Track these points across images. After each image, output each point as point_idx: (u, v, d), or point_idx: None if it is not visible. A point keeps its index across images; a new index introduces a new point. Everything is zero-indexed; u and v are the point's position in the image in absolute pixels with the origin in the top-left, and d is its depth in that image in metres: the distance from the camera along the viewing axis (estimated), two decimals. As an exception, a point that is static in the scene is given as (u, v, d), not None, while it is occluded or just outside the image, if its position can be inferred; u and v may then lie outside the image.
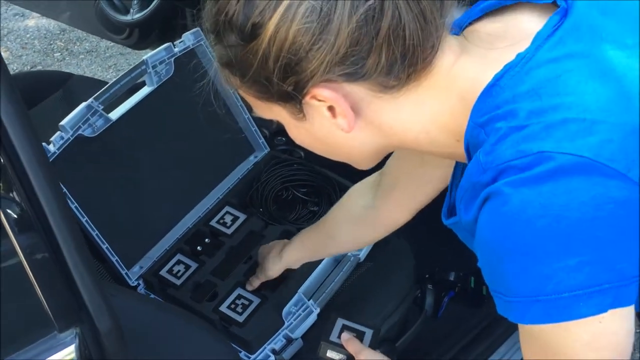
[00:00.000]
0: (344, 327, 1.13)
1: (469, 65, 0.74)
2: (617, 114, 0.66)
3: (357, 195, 1.25)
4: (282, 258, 1.35)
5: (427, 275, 1.56)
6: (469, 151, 0.75)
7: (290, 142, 1.74)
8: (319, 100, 0.73)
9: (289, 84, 0.71)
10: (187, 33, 1.50)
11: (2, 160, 0.65)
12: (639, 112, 0.67)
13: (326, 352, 1.11)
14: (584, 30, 0.73)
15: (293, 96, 0.73)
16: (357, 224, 1.25)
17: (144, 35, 2.20)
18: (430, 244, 1.55)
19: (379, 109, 0.75)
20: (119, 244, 1.40)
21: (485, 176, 0.69)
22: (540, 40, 0.72)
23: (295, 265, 1.39)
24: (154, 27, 2.10)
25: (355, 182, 1.28)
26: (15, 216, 0.63)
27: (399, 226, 1.22)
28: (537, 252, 0.66)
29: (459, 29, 0.78)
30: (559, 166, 0.64)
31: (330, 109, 0.75)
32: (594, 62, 0.70)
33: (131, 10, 1.98)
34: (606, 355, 0.71)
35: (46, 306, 0.66)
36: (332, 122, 0.76)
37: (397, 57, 0.70)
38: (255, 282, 1.40)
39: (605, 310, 0.67)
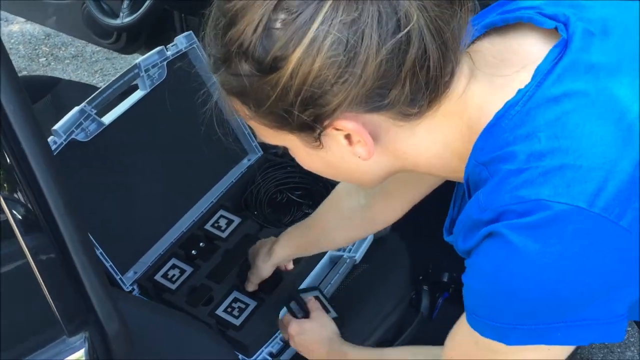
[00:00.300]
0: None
1: (477, 91, 0.74)
2: (614, 161, 0.67)
3: (347, 193, 1.24)
4: (271, 256, 1.34)
5: (421, 277, 1.56)
6: (469, 185, 0.77)
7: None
8: (337, 130, 0.72)
9: (309, 115, 0.69)
10: (179, 36, 1.49)
11: (8, 161, 0.64)
12: (637, 156, 0.68)
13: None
14: (582, 67, 0.72)
15: (311, 127, 0.71)
16: (349, 222, 1.25)
17: (132, 39, 2.19)
18: (424, 245, 1.56)
19: (395, 136, 0.75)
20: (113, 249, 1.39)
21: (485, 215, 0.71)
22: (540, 75, 0.72)
23: (286, 262, 1.39)
24: (142, 31, 2.09)
25: (348, 183, 1.28)
26: (22, 217, 0.62)
27: (390, 223, 1.23)
28: (526, 294, 0.69)
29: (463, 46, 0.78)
30: (554, 215, 0.66)
31: (347, 136, 0.73)
32: (592, 102, 0.70)
33: (120, 14, 1.97)
34: None
35: (55, 310, 0.65)
36: (348, 149, 0.74)
37: (421, 86, 0.69)
38: (252, 284, 1.40)
39: (583, 343, 0.71)
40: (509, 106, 0.71)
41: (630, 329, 1.99)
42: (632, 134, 0.69)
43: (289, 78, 0.66)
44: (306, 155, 0.78)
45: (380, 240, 1.50)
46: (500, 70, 0.75)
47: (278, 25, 0.66)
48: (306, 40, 0.65)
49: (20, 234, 0.63)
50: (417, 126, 0.74)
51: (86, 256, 0.64)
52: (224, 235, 1.52)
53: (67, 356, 0.68)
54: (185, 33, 1.51)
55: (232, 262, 1.47)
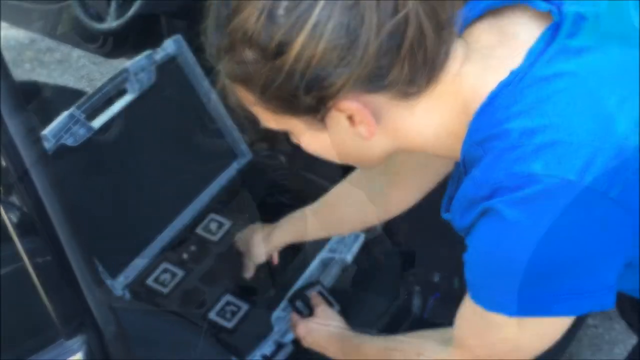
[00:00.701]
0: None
1: (472, 72, 0.77)
2: (602, 137, 0.71)
3: (366, 178, 1.25)
4: (271, 241, 1.35)
5: (411, 277, 1.57)
6: (465, 164, 0.80)
7: (272, 147, 1.75)
8: (340, 111, 0.75)
9: (313, 97, 0.72)
10: (168, 40, 1.49)
11: (3, 164, 0.64)
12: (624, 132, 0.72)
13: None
14: (572, 49, 0.76)
15: (316, 109, 0.74)
16: (364, 207, 1.25)
17: (119, 43, 2.18)
18: (414, 245, 1.57)
19: (395, 115, 0.78)
20: (103, 253, 1.38)
21: (480, 192, 0.74)
22: (533, 57, 0.75)
23: (281, 247, 1.39)
24: (129, 34, 2.09)
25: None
26: (18, 221, 0.62)
27: (403, 210, 1.24)
28: (522, 267, 0.72)
29: (459, 29, 0.80)
30: (546, 189, 0.69)
31: (350, 117, 0.76)
32: (582, 82, 0.74)
33: (108, 18, 1.96)
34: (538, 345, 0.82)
35: (52, 313, 0.65)
36: (351, 130, 0.78)
37: (420, 66, 0.72)
38: (249, 269, 1.41)
39: (579, 313, 0.76)
40: (502, 86, 0.74)
41: (618, 326, 2.01)
42: (620, 111, 0.73)
43: (294, 62, 0.69)
44: (310, 138, 0.80)
45: (370, 242, 1.51)
46: (494, 52, 0.78)
47: (281, 12, 0.68)
48: (309, 25, 0.67)
49: (17, 237, 0.63)
50: (415, 106, 0.77)
51: (83, 259, 0.64)
52: (215, 238, 1.52)
53: (64, 359, 0.67)
54: (174, 37, 1.51)
55: (224, 265, 1.47)
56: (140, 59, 1.44)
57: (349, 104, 0.73)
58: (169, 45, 1.48)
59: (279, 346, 1.35)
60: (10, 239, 0.64)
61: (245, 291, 1.44)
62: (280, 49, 0.69)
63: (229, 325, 1.37)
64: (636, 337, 1.33)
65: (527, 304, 0.75)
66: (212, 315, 1.39)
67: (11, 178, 0.62)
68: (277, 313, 1.37)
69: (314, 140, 0.81)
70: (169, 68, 1.50)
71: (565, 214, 0.70)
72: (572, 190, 0.69)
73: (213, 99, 1.57)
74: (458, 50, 0.77)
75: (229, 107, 1.40)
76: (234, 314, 1.39)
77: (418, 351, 1.01)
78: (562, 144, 0.70)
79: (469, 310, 0.85)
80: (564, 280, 0.73)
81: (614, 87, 0.74)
